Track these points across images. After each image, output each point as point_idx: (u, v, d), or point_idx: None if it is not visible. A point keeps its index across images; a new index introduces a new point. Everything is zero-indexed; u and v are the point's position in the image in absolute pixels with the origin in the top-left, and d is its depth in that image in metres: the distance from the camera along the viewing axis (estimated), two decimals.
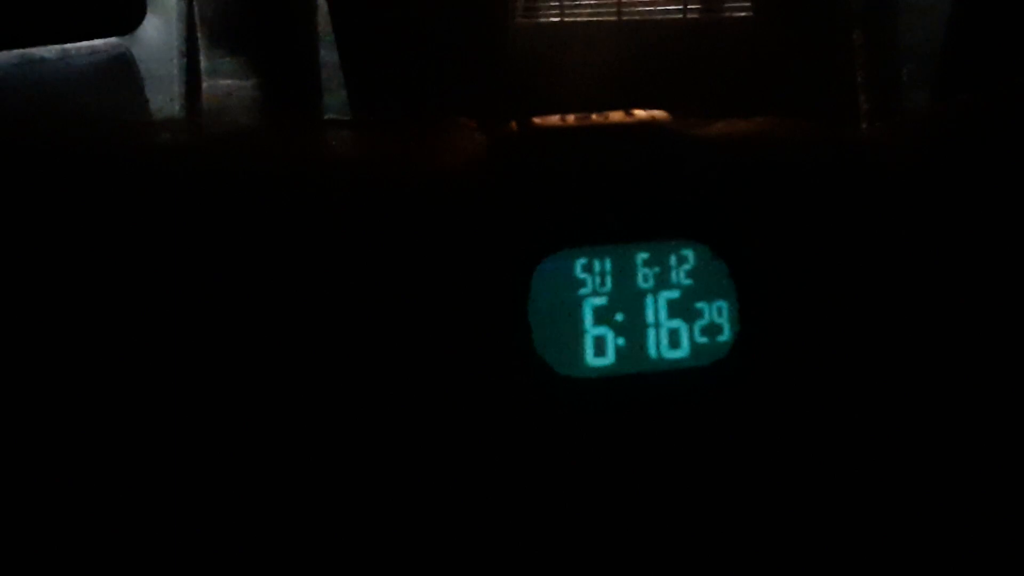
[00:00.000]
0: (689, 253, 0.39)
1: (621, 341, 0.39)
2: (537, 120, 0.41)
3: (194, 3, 1.06)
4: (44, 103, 1.05)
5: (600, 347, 0.39)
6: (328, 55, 1.09)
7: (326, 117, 1.13)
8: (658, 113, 0.42)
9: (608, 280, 0.39)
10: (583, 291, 0.39)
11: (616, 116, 0.42)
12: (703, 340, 0.39)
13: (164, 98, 1.09)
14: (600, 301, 0.39)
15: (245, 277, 0.36)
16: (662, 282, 0.39)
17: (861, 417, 0.39)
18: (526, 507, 0.37)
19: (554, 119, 0.41)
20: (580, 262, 0.39)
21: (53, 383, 0.35)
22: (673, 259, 0.39)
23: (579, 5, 1.13)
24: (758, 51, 1.08)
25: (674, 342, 0.39)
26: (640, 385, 0.39)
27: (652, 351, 0.39)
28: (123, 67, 1.06)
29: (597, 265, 0.39)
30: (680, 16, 1.11)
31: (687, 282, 0.39)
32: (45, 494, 0.35)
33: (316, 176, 0.38)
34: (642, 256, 0.39)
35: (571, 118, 0.41)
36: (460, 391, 0.37)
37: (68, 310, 0.35)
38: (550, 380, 0.38)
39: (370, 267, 0.37)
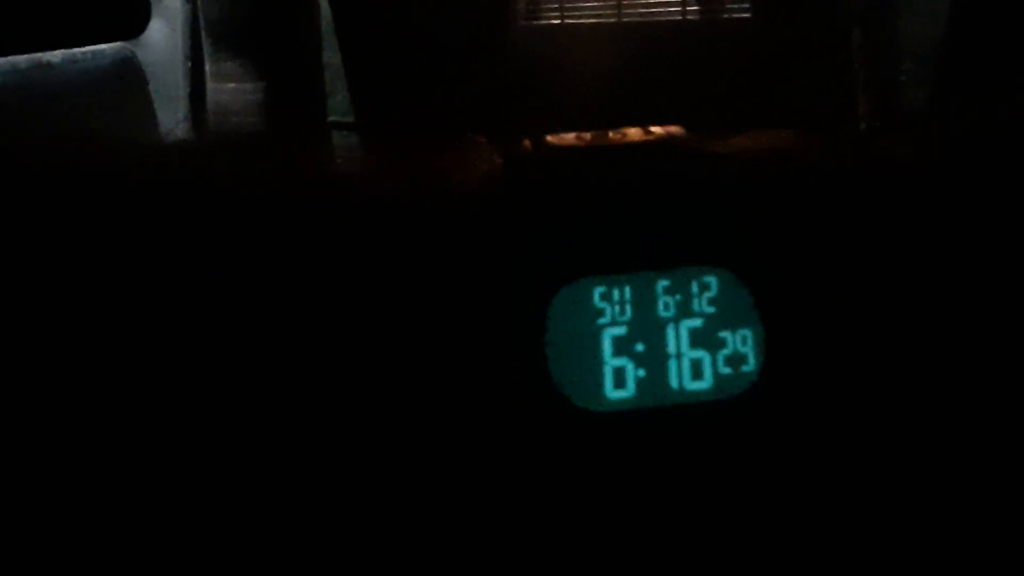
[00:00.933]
0: (712, 280, 0.37)
1: (642, 372, 0.37)
2: (551, 138, 0.41)
3: (198, 7, 1.07)
4: (51, 107, 1.06)
5: (620, 379, 0.37)
6: (331, 58, 1.10)
7: (330, 119, 1.14)
8: (674, 129, 0.41)
9: (628, 309, 0.37)
10: (602, 320, 0.37)
11: (633, 133, 0.41)
12: (727, 371, 0.38)
13: (170, 102, 1.10)
14: (619, 331, 0.38)
15: (262, 298, 0.36)
16: (684, 310, 0.38)
17: (894, 455, 0.38)
18: (544, 543, 0.37)
19: (569, 137, 0.41)
20: (599, 291, 0.37)
21: (62, 384, 0.36)
22: (695, 286, 0.38)
23: (579, 7, 1.13)
24: (758, 52, 1.08)
25: (697, 373, 0.37)
26: (661, 419, 0.37)
27: (674, 383, 0.37)
28: (129, 71, 1.07)
29: (616, 294, 0.37)
30: (680, 17, 1.12)
31: (710, 310, 0.38)
32: (46, 497, 0.35)
33: (332, 201, 0.38)
34: (663, 284, 0.38)
35: (587, 136, 0.40)
36: (476, 426, 0.36)
37: (84, 319, 0.35)
38: (568, 413, 0.37)
39: (385, 296, 0.36)
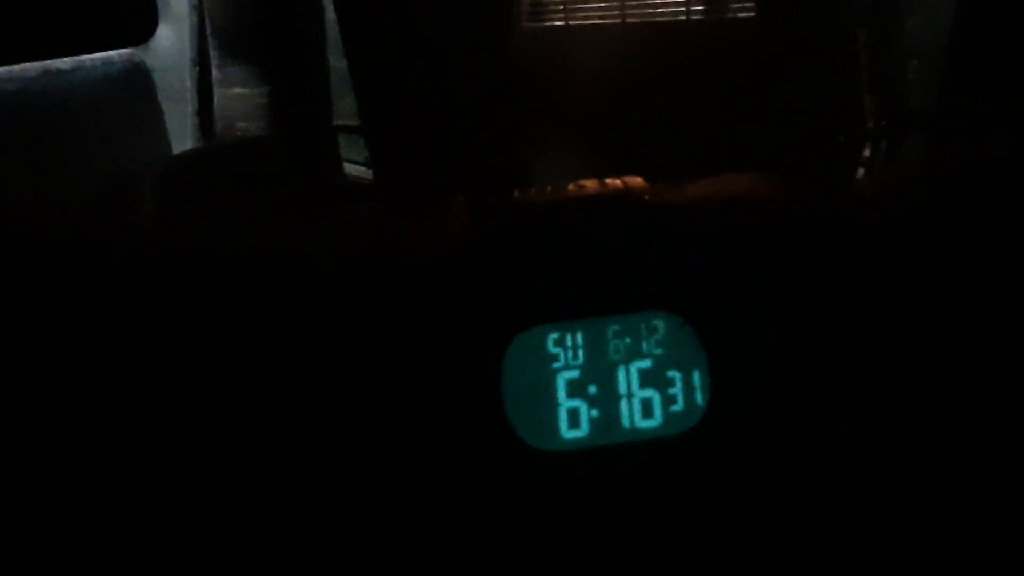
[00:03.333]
0: (659, 323, 0.39)
1: (595, 412, 0.39)
2: (517, 195, 0.42)
3: (205, 13, 1.08)
4: (61, 114, 1.07)
5: (574, 419, 0.39)
6: (337, 62, 1.11)
7: (336, 123, 1.15)
8: (632, 180, 0.42)
9: (580, 353, 0.39)
10: (556, 365, 0.39)
11: (591, 186, 0.42)
12: (675, 408, 0.39)
13: (177, 107, 1.12)
14: (573, 374, 0.39)
15: (227, 349, 0.36)
16: (633, 352, 0.39)
17: (835, 482, 0.39)
18: None
19: (531, 193, 0.42)
20: (552, 337, 0.39)
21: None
22: (643, 329, 0.39)
23: (583, 8, 1.13)
24: (762, 52, 1.08)
25: (647, 412, 0.39)
26: (615, 456, 0.39)
27: (626, 421, 0.39)
28: (137, 77, 1.09)
29: (569, 339, 0.39)
30: (684, 18, 1.12)
31: (658, 351, 0.39)
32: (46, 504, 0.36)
33: (301, 256, 0.39)
34: (613, 328, 0.39)
35: (548, 190, 0.41)
36: (435, 468, 0.37)
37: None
38: (525, 454, 0.38)
39: (347, 346, 0.37)
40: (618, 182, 0.43)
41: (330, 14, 1.08)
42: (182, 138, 1.13)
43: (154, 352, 0.37)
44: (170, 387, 0.36)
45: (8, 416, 0.36)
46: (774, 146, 1.13)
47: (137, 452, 0.36)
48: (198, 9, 1.10)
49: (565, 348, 0.39)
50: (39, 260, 0.38)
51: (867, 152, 1.12)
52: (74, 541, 0.37)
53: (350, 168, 1.17)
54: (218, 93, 1.09)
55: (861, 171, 1.13)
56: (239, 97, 1.08)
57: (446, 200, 0.42)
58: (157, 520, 0.36)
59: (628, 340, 0.39)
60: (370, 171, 1.11)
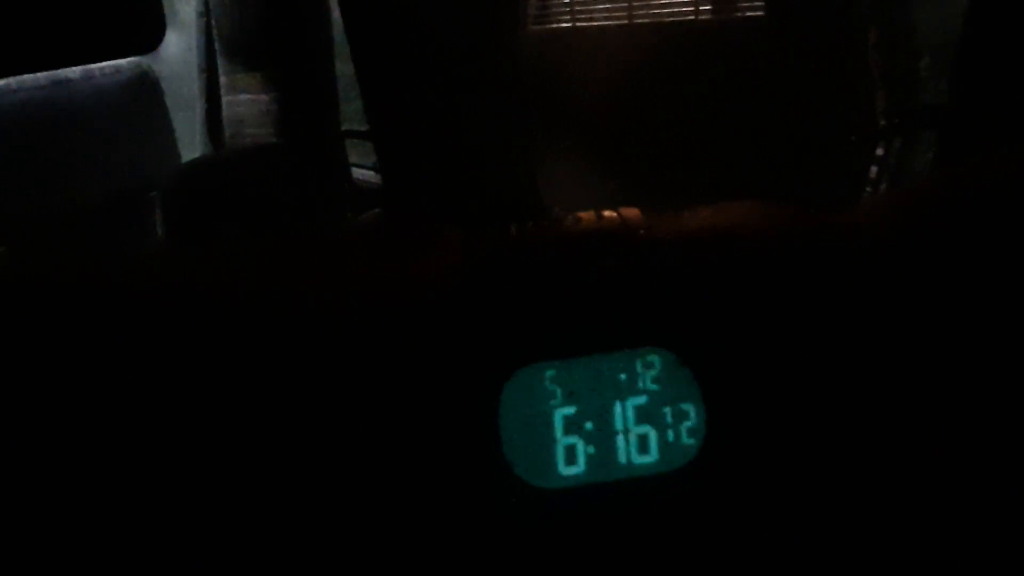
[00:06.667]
0: (655, 359, 0.39)
1: (592, 449, 0.39)
2: (512, 228, 0.42)
3: (213, 21, 1.08)
4: (71, 122, 1.08)
5: (571, 456, 0.39)
6: (344, 67, 1.11)
7: (344, 128, 1.15)
8: (629, 212, 0.42)
9: (577, 390, 0.39)
10: (553, 402, 0.39)
11: (587, 219, 0.42)
12: (671, 444, 0.39)
13: (186, 113, 1.12)
14: (569, 411, 0.39)
15: (214, 391, 0.36)
16: (629, 389, 0.39)
17: (834, 519, 0.38)
18: None
19: (526, 228, 0.42)
20: (549, 374, 0.39)
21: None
22: (639, 365, 0.39)
23: (590, 10, 1.13)
24: (772, 51, 1.07)
25: (643, 448, 0.39)
26: (612, 492, 0.39)
27: (622, 458, 0.39)
28: (146, 84, 1.09)
29: (565, 376, 0.39)
30: (692, 17, 1.11)
31: (654, 387, 0.39)
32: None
33: (293, 292, 0.38)
34: (609, 365, 0.39)
35: (545, 225, 0.41)
36: (433, 505, 0.37)
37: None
38: (522, 491, 0.38)
39: (340, 383, 0.37)
40: (615, 215, 0.43)
41: (337, 20, 1.08)
42: (191, 145, 1.13)
43: (144, 381, 0.37)
44: (156, 422, 0.36)
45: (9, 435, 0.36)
46: (785, 146, 1.12)
47: (126, 468, 0.36)
48: (205, 17, 1.10)
49: (561, 385, 0.39)
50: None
51: (879, 150, 1.11)
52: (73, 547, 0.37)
53: (358, 173, 1.17)
54: (226, 100, 1.10)
55: (874, 169, 1.12)
56: (247, 103, 1.09)
57: (440, 233, 0.42)
58: (135, 542, 0.36)
59: (624, 376, 0.39)
60: (378, 175, 1.11)
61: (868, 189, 1.10)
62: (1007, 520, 0.38)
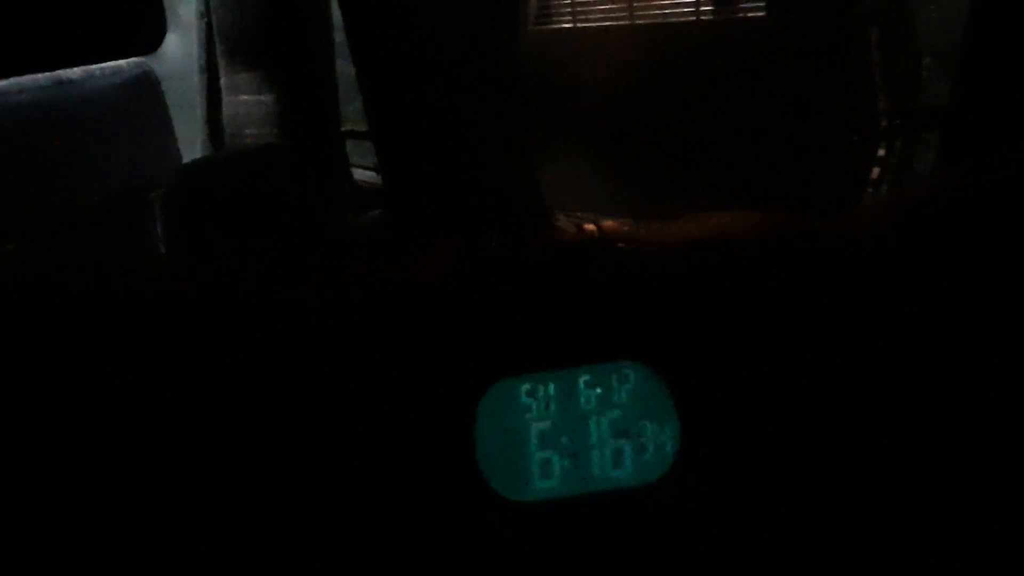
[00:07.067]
0: (630, 373, 0.39)
1: (567, 463, 0.39)
2: (495, 241, 0.42)
3: (213, 21, 1.08)
4: (72, 123, 1.08)
5: (546, 470, 0.39)
6: (344, 67, 1.11)
7: (344, 128, 1.15)
8: (608, 225, 0.42)
9: (552, 404, 0.39)
10: (528, 416, 0.39)
11: (566, 229, 0.42)
12: (646, 458, 0.39)
13: (186, 113, 1.12)
14: (544, 425, 0.39)
15: (200, 397, 0.36)
16: (604, 402, 0.39)
17: (811, 531, 0.38)
18: None
19: (512, 239, 0.42)
20: (524, 388, 0.39)
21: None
22: (614, 379, 0.39)
23: (591, 10, 1.13)
24: (773, 51, 1.07)
25: (618, 461, 0.39)
26: (587, 505, 0.39)
27: (597, 471, 0.39)
28: (146, 85, 1.09)
29: (541, 390, 0.39)
30: (693, 18, 1.11)
31: (628, 401, 0.39)
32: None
33: (278, 300, 0.39)
34: (584, 379, 0.39)
35: (526, 238, 0.42)
36: (407, 519, 0.37)
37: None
38: (497, 504, 0.38)
39: (316, 395, 0.37)
40: (593, 227, 0.43)
41: (337, 19, 1.09)
42: (192, 145, 1.13)
43: (139, 381, 0.37)
44: (147, 428, 0.37)
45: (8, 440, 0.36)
46: (787, 146, 1.12)
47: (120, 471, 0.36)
48: (206, 17, 1.11)
49: (537, 399, 0.39)
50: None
51: (881, 151, 1.10)
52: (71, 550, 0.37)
53: (358, 173, 1.17)
54: (227, 100, 1.10)
55: (875, 170, 1.11)
56: (248, 104, 1.09)
57: (422, 247, 0.42)
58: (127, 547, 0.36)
59: (599, 390, 0.40)
60: (378, 176, 1.11)
61: (870, 190, 1.10)
62: (1004, 531, 0.38)
